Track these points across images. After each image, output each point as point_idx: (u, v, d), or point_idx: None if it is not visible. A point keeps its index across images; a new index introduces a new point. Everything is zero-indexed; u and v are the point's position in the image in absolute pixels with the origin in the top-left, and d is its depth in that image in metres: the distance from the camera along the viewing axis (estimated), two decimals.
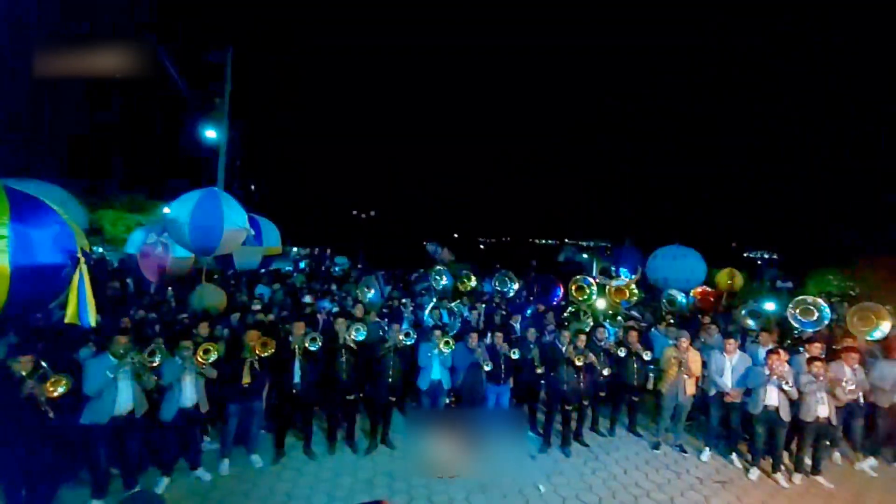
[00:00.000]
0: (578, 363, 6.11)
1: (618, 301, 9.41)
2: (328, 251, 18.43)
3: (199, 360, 4.87)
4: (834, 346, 7.21)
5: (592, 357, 6.32)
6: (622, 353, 6.68)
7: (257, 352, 5.23)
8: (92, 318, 4.67)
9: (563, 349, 6.31)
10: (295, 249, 21.78)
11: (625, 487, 5.47)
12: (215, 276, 10.88)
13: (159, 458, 5.06)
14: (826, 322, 7.82)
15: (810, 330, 7.84)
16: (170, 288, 9.34)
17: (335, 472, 5.45)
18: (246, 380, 5.23)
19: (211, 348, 4.94)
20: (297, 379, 5.54)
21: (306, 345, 5.56)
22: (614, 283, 10.52)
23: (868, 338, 7.25)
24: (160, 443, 4.99)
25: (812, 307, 7.97)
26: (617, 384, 6.80)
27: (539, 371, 6.30)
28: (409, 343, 6.06)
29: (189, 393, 4.98)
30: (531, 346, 6.65)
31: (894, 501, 5.52)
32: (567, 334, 6.46)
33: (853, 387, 5.88)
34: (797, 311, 8.02)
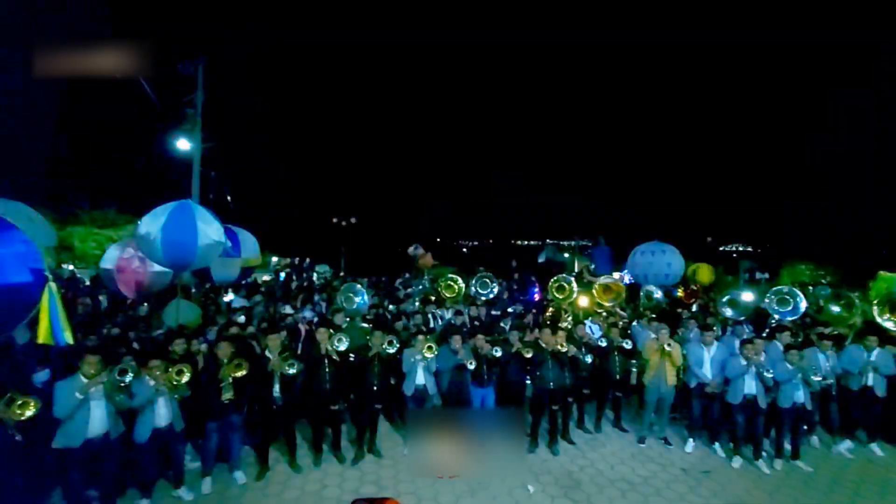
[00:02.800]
0: (563, 349, 6.21)
1: (605, 299, 9.53)
2: (308, 259, 18.20)
3: (172, 381, 4.72)
4: (808, 334, 7.44)
5: (574, 348, 6.39)
6: (603, 343, 6.77)
7: (231, 373, 5.11)
8: (68, 336, 4.53)
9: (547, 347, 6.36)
10: (275, 259, 21.48)
11: (612, 482, 5.52)
12: (192, 291, 10.65)
13: (138, 479, 4.90)
14: (802, 311, 8.07)
15: (788, 319, 8.07)
16: (146, 304, 9.12)
17: (322, 484, 5.37)
18: (228, 395, 5.11)
19: (184, 369, 4.79)
20: (277, 392, 5.43)
21: (285, 369, 5.43)
22: (601, 280, 10.67)
23: (840, 324, 7.50)
24: (137, 464, 4.84)
25: (788, 296, 8.21)
26: (601, 380, 6.88)
27: (527, 355, 6.28)
28: (392, 350, 6.01)
29: (163, 412, 4.81)
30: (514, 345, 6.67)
31: (870, 481, 5.68)
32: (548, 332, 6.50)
33: (826, 371, 6.07)
34: (775, 300, 8.27)
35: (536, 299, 11.68)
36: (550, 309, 9.06)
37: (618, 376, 6.82)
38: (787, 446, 6.05)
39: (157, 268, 7.74)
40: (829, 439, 6.58)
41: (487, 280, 10.56)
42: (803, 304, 8.16)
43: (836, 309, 7.92)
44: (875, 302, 7.65)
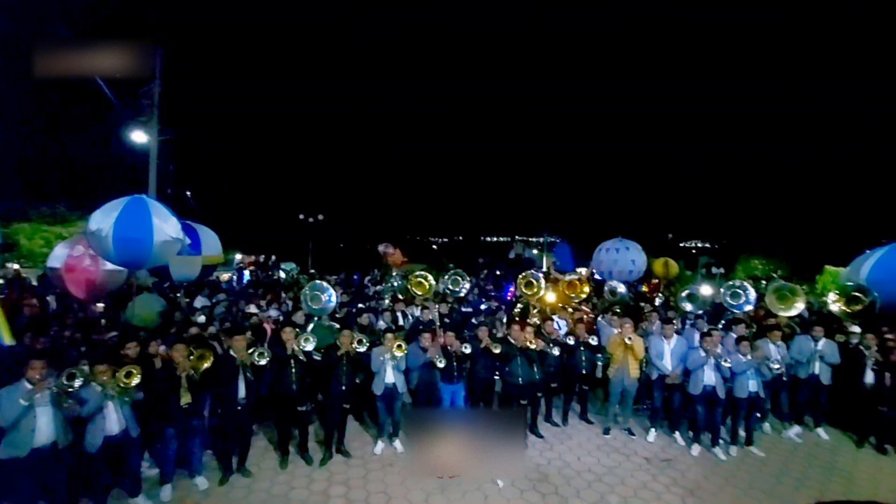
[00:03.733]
0: (531, 346, 6.31)
1: (570, 295, 9.72)
2: (274, 257, 17.73)
3: (121, 383, 4.47)
4: (761, 325, 7.82)
5: (542, 343, 6.49)
6: (571, 341, 6.91)
7: (192, 366, 4.91)
8: (6, 338, 4.24)
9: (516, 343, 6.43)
10: (239, 257, 20.84)
11: (579, 474, 5.64)
12: (151, 290, 10.21)
13: (90, 490, 4.65)
14: (753, 303, 8.47)
15: (740, 311, 8.46)
16: (100, 304, 8.67)
17: (289, 486, 5.25)
18: (185, 399, 4.91)
19: (133, 371, 4.54)
20: (242, 394, 5.27)
21: (255, 359, 5.32)
22: (567, 277, 10.87)
23: (786, 315, 7.92)
24: (89, 474, 4.58)
25: (739, 290, 8.60)
26: (568, 375, 7.02)
27: (496, 351, 6.34)
28: (362, 349, 5.93)
29: (114, 418, 4.54)
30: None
31: (817, 464, 6.04)
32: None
33: (778, 361, 6.40)
34: (728, 293, 8.65)
35: (509, 297, 11.81)
36: (519, 305, 9.16)
37: (584, 370, 6.97)
38: (742, 433, 6.34)
39: (110, 266, 7.36)
40: (779, 425, 6.95)
41: (459, 277, 10.58)
42: (753, 297, 8.60)
43: (783, 300, 8.35)
44: (833, 293, 8.27)
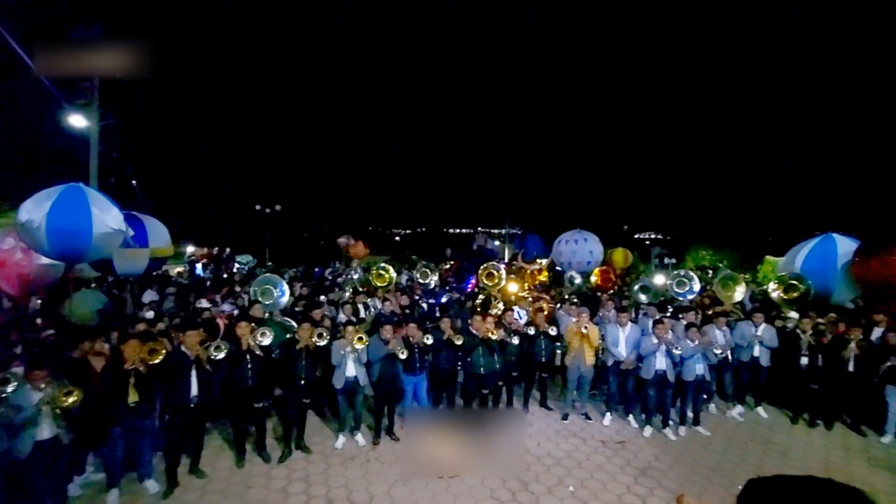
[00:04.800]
0: (492, 336, 6.40)
1: (535, 283, 9.93)
2: (228, 249, 17.03)
3: (59, 401, 4.15)
4: (707, 312, 8.25)
5: (503, 333, 6.59)
6: (531, 330, 7.05)
7: (143, 361, 4.66)
8: None
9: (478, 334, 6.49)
10: (191, 249, 19.92)
11: (538, 459, 5.79)
12: (92, 285, 9.61)
13: (23, 500, 4.33)
14: (698, 291, 8.92)
15: (686, 299, 8.89)
16: (38, 301, 8.10)
17: (245, 486, 5.10)
18: (133, 398, 4.66)
19: (74, 392, 4.22)
20: (194, 392, 5.05)
21: (212, 353, 5.10)
22: (531, 266, 11.08)
23: (731, 302, 8.40)
24: (21, 483, 4.25)
25: (685, 279, 9.04)
26: (528, 363, 7.16)
27: (458, 342, 6.38)
28: (322, 343, 5.81)
29: (45, 425, 4.22)
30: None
31: (757, 440, 6.45)
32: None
33: (723, 346, 6.79)
34: (674, 283, 9.07)
35: (470, 289, 11.89)
36: (481, 296, 9.25)
37: (543, 359, 7.13)
38: (690, 414, 6.69)
39: (46, 260, 6.86)
40: (724, 405, 7.37)
41: (428, 270, 10.54)
42: (697, 286, 9.07)
43: (727, 289, 8.84)
44: (773, 282, 8.83)
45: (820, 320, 7.54)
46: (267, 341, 5.53)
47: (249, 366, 5.45)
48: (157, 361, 4.75)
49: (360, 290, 9.41)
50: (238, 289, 10.09)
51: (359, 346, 5.80)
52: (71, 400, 4.21)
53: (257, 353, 5.46)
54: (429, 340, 6.26)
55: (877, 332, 7.20)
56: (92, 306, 6.93)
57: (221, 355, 5.16)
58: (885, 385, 6.39)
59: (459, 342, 6.35)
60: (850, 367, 6.58)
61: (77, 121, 12.16)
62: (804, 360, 6.88)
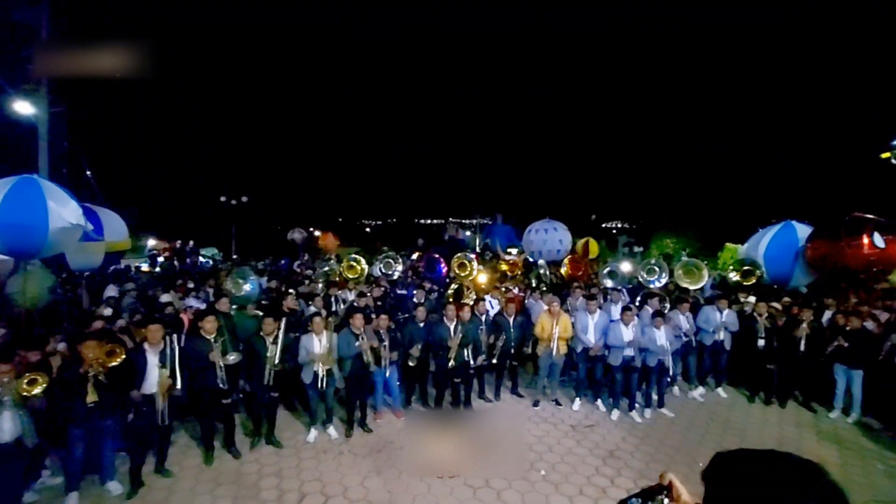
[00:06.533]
0: (457, 347, 6.44)
1: (510, 274, 10.03)
2: (192, 242, 16.44)
3: (22, 391, 4.00)
4: (672, 298, 8.53)
5: (468, 339, 6.62)
6: (505, 318, 7.13)
7: (101, 363, 4.47)
8: None
9: (451, 328, 6.50)
10: (153, 242, 19.15)
11: (510, 446, 5.88)
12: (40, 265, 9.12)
13: None
14: (665, 279, 9.22)
15: (655, 286, 9.18)
16: None
17: (215, 483, 4.99)
18: (91, 398, 4.46)
19: (38, 378, 4.09)
20: (154, 388, 4.87)
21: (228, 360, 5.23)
22: (507, 257, 11.18)
23: (692, 288, 8.73)
24: None
25: (655, 267, 9.32)
26: (500, 352, 7.23)
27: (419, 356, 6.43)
28: (290, 337, 5.70)
29: (6, 426, 4.04)
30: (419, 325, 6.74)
31: (718, 420, 6.76)
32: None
33: (686, 330, 7.04)
34: (644, 271, 9.33)
35: (443, 276, 11.90)
36: (453, 286, 9.28)
37: (513, 348, 7.22)
38: (655, 397, 6.94)
39: None
40: (686, 387, 7.68)
41: (391, 260, 10.51)
42: (665, 275, 9.38)
43: (690, 275, 9.18)
44: (730, 266, 9.19)
45: (775, 304, 7.93)
46: (234, 360, 5.43)
47: (218, 367, 5.29)
48: (116, 363, 4.56)
49: (333, 281, 9.29)
50: (200, 284, 9.77)
51: (323, 339, 5.76)
52: (36, 390, 4.03)
53: (222, 363, 5.32)
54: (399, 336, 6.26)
55: (827, 315, 7.64)
56: (42, 284, 6.56)
57: (233, 358, 5.28)
58: (833, 364, 6.79)
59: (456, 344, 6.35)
60: (802, 348, 6.95)
61: (23, 107, 11.40)
62: (761, 343, 7.22)
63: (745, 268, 9.14)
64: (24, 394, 4.04)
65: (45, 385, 4.14)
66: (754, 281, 9.06)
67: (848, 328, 6.72)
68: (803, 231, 9.31)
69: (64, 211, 6.07)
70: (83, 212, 6.73)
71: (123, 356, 4.63)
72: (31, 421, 4.21)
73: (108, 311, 6.74)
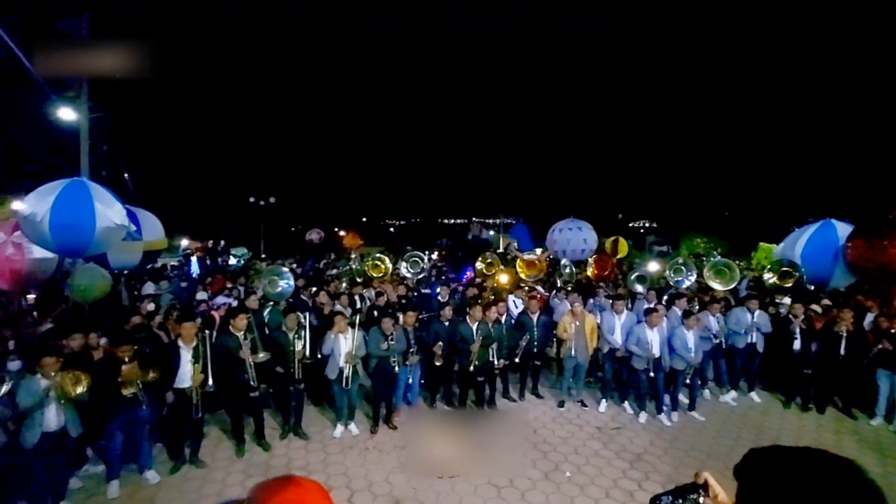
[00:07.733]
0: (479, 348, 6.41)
1: (528, 274, 9.95)
2: (223, 242, 16.91)
3: (68, 389, 4.21)
4: (703, 299, 8.32)
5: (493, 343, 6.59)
6: (532, 317, 7.08)
7: (135, 378, 4.68)
8: None
9: (474, 329, 6.49)
10: (186, 242, 19.80)
11: (535, 446, 5.85)
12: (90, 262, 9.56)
13: (27, 492, 4.35)
14: (694, 279, 9.00)
15: (683, 286, 8.96)
16: (32, 296, 8.04)
17: (245, 475, 5.14)
18: (131, 390, 4.66)
19: (82, 379, 4.30)
20: (188, 383, 5.06)
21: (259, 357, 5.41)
22: (525, 256, 11.09)
23: (724, 289, 8.48)
24: (25, 474, 4.27)
25: (683, 267, 9.10)
26: (523, 352, 7.18)
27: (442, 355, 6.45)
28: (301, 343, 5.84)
29: (52, 417, 4.25)
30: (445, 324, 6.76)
31: (751, 426, 6.54)
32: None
33: (717, 332, 6.84)
34: (671, 270, 9.12)
35: (467, 279, 11.91)
36: (474, 290, 9.28)
37: (536, 348, 7.15)
38: (686, 400, 6.77)
39: (39, 254, 6.82)
40: (717, 390, 7.46)
41: (417, 259, 10.57)
42: (693, 274, 9.14)
43: (720, 276, 8.91)
44: (767, 268, 8.89)
45: (814, 307, 7.63)
46: (263, 358, 5.60)
47: (247, 363, 5.46)
48: (151, 379, 4.77)
49: (357, 280, 9.42)
50: (231, 283, 10.06)
51: (347, 336, 5.86)
52: (79, 390, 4.24)
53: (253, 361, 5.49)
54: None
55: (869, 318, 7.30)
56: (95, 279, 6.87)
57: (262, 356, 5.47)
58: (875, 369, 6.49)
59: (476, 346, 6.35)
60: (842, 352, 6.66)
61: (66, 114, 11.97)
62: (797, 346, 6.96)
63: (784, 269, 8.79)
64: (69, 394, 4.25)
65: (87, 384, 4.35)
66: (792, 283, 8.73)
67: (893, 331, 6.42)
68: (844, 230, 8.92)
69: (109, 212, 6.38)
70: (125, 213, 7.04)
71: (156, 376, 4.85)
72: (75, 412, 4.43)
73: (151, 306, 7.02)
